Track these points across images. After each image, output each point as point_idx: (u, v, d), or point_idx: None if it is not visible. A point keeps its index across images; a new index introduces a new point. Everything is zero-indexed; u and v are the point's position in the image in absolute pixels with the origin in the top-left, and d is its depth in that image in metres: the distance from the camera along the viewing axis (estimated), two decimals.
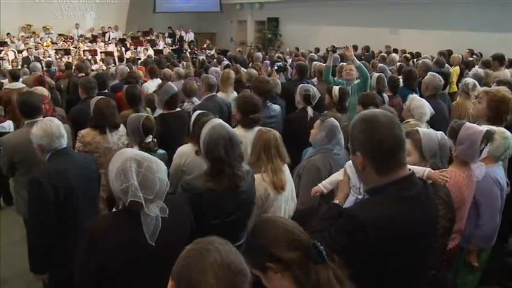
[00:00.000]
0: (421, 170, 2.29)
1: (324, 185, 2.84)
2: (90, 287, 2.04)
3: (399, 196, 1.75)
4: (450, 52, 10.49)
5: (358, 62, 5.74)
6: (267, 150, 3.06)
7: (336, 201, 2.29)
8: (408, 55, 10.24)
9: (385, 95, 5.51)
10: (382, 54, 10.71)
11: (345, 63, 7.07)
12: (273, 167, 3.04)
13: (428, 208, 1.87)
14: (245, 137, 3.32)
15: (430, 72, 5.63)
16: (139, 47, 17.62)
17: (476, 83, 5.28)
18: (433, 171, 2.37)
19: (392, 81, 5.79)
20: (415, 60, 10.01)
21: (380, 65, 8.01)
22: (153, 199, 1.99)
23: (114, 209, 2.18)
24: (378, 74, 5.79)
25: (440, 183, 2.42)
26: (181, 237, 2.08)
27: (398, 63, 8.62)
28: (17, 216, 5.15)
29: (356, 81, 5.84)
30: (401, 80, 6.15)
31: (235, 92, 5.97)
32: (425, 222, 1.84)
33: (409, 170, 1.85)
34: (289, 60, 11.28)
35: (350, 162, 2.50)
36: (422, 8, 13.65)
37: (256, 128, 3.65)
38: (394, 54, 10.14)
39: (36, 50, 15.83)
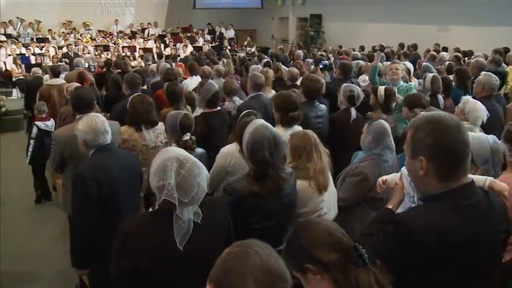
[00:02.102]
0: (482, 179, 2.17)
1: (387, 178, 2.75)
2: (125, 285, 2.04)
3: (456, 205, 1.66)
4: (507, 50, 9.88)
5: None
6: (316, 148, 2.98)
7: (389, 206, 2.21)
8: (460, 54, 9.75)
9: (440, 97, 5.24)
10: (432, 52, 10.28)
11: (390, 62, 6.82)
12: (321, 165, 2.97)
13: (489, 218, 1.73)
14: (285, 136, 3.18)
15: (484, 72, 5.31)
16: (178, 44, 17.66)
17: None
18: (496, 180, 2.23)
19: (446, 83, 5.49)
20: (466, 59, 9.52)
21: (424, 63, 7.65)
22: (188, 202, 1.95)
23: (150, 209, 2.19)
24: (432, 74, 5.49)
25: (502, 197, 2.21)
26: (217, 241, 2.04)
27: (447, 62, 8.21)
28: (55, 212, 5.25)
29: (401, 83, 5.60)
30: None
31: (273, 91, 5.93)
32: (484, 233, 1.70)
33: (469, 178, 1.74)
34: (332, 59, 11.02)
35: (404, 169, 2.40)
36: (474, 3, 12.91)
37: (296, 127, 3.65)
38: (443, 53, 9.71)
39: (75, 46, 16.10)
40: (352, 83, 5.30)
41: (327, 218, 3.02)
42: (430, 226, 1.61)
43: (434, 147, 1.65)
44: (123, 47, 16.75)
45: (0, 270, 4.44)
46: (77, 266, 3.04)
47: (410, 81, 6.04)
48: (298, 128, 3.68)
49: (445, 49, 11.61)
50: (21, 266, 4.72)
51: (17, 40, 16.29)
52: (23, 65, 13.84)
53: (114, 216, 2.91)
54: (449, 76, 6.22)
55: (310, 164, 2.92)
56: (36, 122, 6.00)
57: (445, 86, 5.41)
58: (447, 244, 1.61)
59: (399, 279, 1.59)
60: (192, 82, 6.98)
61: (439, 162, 1.66)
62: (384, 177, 2.82)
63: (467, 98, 4.14)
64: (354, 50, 11.81)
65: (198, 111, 4.69)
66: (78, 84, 5.55)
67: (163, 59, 11.45)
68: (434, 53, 9.97)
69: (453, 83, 5.79)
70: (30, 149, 5.93)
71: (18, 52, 14.98)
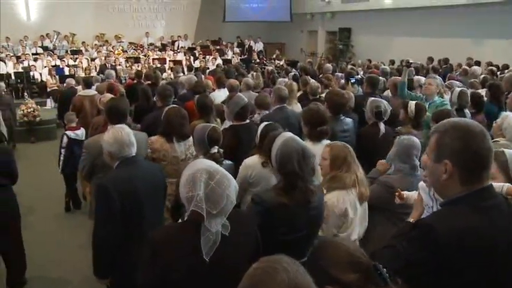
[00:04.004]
0: (500, 186, 2.20)
1: (406, 193, 2.92)
2: None
3: (477, 206, 1.67)
4: None
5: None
6: (354, 160, 3.01)
7: (410, 220, 2.26)
8: (494, 68, 9.54)
9: (467, 111, 5.13)
10: (464, 67, 10.09)
11: (421, 77, 6.73)
12: (360, 175, 3.00)
13: (509, 221, 1.73)
14: (313, 150, 3.19)
15: None
16: (207, 56, 17.85)
17: None
18: None
19: (477, 97, 5.38)
20: (498, 73, 9.31)
21: (449, 81, 7.46)
22: (217, 214, 1.96)
23: (179, 220, 2.20)
24: (459, 88, 5.39)
25: None
26: (244, 253, 2.06)
27: (481, 76, 8.05)
28: (84, 219, 5.34)
29: (436, 99, 5.50)
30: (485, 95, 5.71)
31: (299, 104, 5.93)
32: (506, 234, 1.70)
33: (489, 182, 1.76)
34: (361, 73, 10.95)
35: (422, 182, 2.55)
36: (509, 16, 12.57)
37: (325, 141, 3.62)
38: (475, 67, 9.52)
39: (108, 58, 16.48)
40: (380, 97, 5.26)
41: (360, 230, 3.06)
42: (452, 227, 1.62)
43: (461, 152, 1.67)
44: (153, 59, 17.00)
45: (29, 275, 4.56)
46: (98, 276, 3.08)
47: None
48: (326, 142, 3.66)
49: (478, 63, 11.40)
50: (49, 272, 4.83)
51: (53, 52, 16.82)
52: (57, 76, 14.25)
53: (137, 227, 2.97)
54: (482, 90, 6.10)
55: (348, 174, 2.94)
56: (66, 132, 6.14)
57: (475, 101, 5.31)
58: (469, 245, 1.61)
59: (424, 283, 1.61)
60: (220, 95, 7.01)
61: (465, 167, 1.67)
62: (404, 193, 2.94)
63: (506, 114, 4.02)
64: (383, 64, 11.73)
65: (227, 123, 4.71)
66: (112, 96, 5.65)
67: (193, 71, 11.57)
68: (467, 68, 9.79)
69: (485, 98, 5.66)
70: (62, 158, 6.07)
71: (53, 64, 15.44)
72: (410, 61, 5.83)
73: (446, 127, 1.74)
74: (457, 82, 7.05)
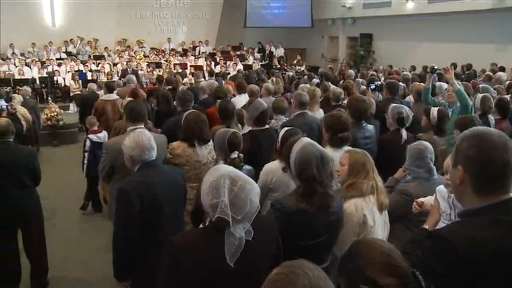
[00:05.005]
0: None
1: (423, 200, 2.90)
2: None
3: (497, 219, 1.63)
4: None
5: (458, 87, 5.21)
6: (373, 167, 2.97)
7: (426, 227, 2.27)
8: None
9: (491, 117, 5.04)
10: (487, 73, 9.93)
11: (443, 84, 6.64)
12: (380, 184, 2.97)
13: None
14: (334, 156, 3.17)
15: None
16: (228, 62, 17.92)
17: None
18: None
19: (503, 103, 5.28)
20: None
21: (482, 85, 7.39)
22: (241, 220, 1.97)
23: (201, 225, 2.19)
24: (482, 94, 5.30)
25: None
26: (266, 258, 2.07)
27: (507, 82, 7.91)
28: (105, 222, 5.42)
29: (458, 105, 5.41)
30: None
31: (321, 110, 5.90)
32: None
33: (510, 195, 1.71)
34: (382, 79, 10.87)
35: (440, 187, 2.57)
36: None
37: (346, 148, 3.60)
38: (500, 73, 9.36)
39: (129, 63, 16.66)
40: (401, 103, 5.20)
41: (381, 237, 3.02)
42: (470, 239, 1.59)
43: (473, 160, 1.66)
44: (174, 64, 17.14)
45: (51, 276, 4.66)
46: (118, 278, 3.10)
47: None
48: (347, 149, 3.63)
49: (502, 69, 11.21)
50: (70, 274, 4.91)
51: (76, 57, 17.13)
52: (80, 81, 14.49)
53: (157, 230, 2.98)
54: (507, 96, 5.98)
55: (365, 180, 2.89)
56: (88, 136, 6.23)
57: (501, 107, 5.23)
58: (487, 258, 1.58)
59: None
60: (240, 100, 7.04)
61: (475, 175, 1.67)
62: (421, 200, 2.93)
63: None
64: (404, 70, 11.62)
65: (247, 128, 4.72)
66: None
67: (214, 76, 11.64)
68: (490, 74, 9.63)
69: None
70: (85, 162, 6.15)
71: (76, 69, 15.72)
72: (435, 67, 5.73)
73: (468, 134, 1.74)
74: (488, 86, 6.93)
